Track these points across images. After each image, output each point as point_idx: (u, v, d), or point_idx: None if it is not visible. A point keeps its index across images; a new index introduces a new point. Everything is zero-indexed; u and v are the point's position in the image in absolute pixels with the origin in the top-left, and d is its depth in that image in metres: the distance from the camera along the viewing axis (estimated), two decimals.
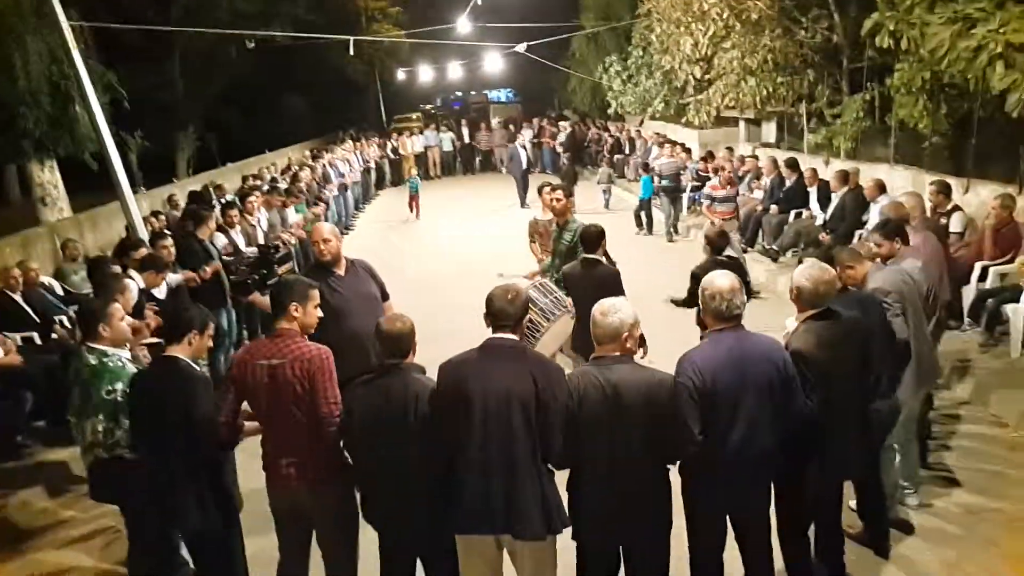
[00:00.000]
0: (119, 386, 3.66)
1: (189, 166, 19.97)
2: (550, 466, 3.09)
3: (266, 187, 10.47)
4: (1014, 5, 6.75)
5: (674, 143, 16.10)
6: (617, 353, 3.09)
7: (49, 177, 11.96)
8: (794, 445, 3.25)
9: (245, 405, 3.43)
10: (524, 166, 17.36)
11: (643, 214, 13.13)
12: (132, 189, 8.75)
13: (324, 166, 15.32)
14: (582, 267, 5.36)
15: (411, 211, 16.45)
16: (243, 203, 8.69)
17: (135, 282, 5.75)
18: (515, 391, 2.96)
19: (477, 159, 25.28)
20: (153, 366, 3.67)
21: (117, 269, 6.32)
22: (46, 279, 7.79)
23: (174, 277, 6.50)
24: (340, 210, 14.70)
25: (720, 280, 3.20)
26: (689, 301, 5.31)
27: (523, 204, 16.49)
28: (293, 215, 10.15)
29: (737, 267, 5.78)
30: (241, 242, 7.92)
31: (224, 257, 7.41)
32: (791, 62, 11.80)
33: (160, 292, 6.14)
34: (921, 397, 4.48)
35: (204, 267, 6.85)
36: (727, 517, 3.34)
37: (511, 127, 25.39)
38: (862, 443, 3.59)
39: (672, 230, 12.34)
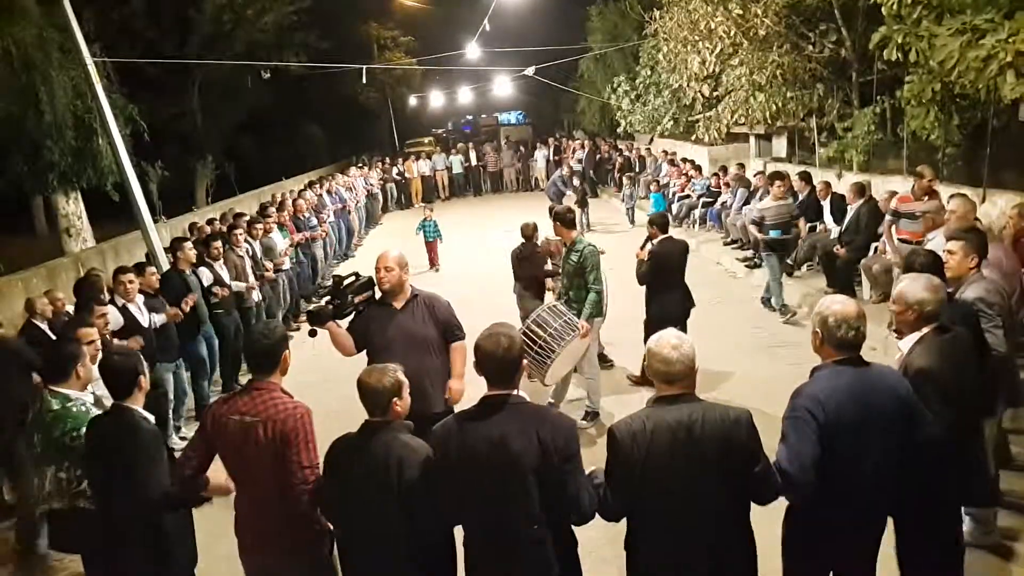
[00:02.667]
0: (81, 431, 3.47)
1: (208, 194, 20.31)
2: (601, 518, 2.81)
3: (247, 217, 10.24)
4: (1023, 14, 6.78)
5: (680, 161, 16.22)
6: (686, 392, 2.74)
7: (73, 208, 12.24)
8: (921, 478, 2.94)
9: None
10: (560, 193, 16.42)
11: None
12: (152, 218, 8.95)
13: (323, 193, 15.16)
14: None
15: (429, 263, 13.64)
16: (229, 235, 8.68)
17: (114, 308, 6.08)
18: (519, 453, 2.67)
19: (487, 181, 25.51)
20: (107, 416, 3.43)
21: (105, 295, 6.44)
22: (70, 308, 7.95)
23: (157, 317, 6.58)
24: (340, 236, 14.78)
25: (845, 306, 2.87)
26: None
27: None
28: (281, 242, 10.03)
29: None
30: (226, 275, 7.99)
31: (215, 288, 7.67)
32: (800, 77, 11.85)
33: (144, 319, 6.38)
34: (998, 418, 4.12)
35: (185, 299, 6.98)
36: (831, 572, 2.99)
37: (521, 148, 25.69)
38: (982, 469, 3.34)
39: (780, 308, 8.67)
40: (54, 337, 7.15)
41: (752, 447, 2.68)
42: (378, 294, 4.41)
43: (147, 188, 14.08)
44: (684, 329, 6.20)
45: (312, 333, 4.31)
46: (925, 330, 3.23)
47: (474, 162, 25.37)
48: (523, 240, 7.70)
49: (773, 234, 8.49)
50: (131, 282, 6.40)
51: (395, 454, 2.85)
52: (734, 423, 2.66)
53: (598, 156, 22.29)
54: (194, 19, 19.13)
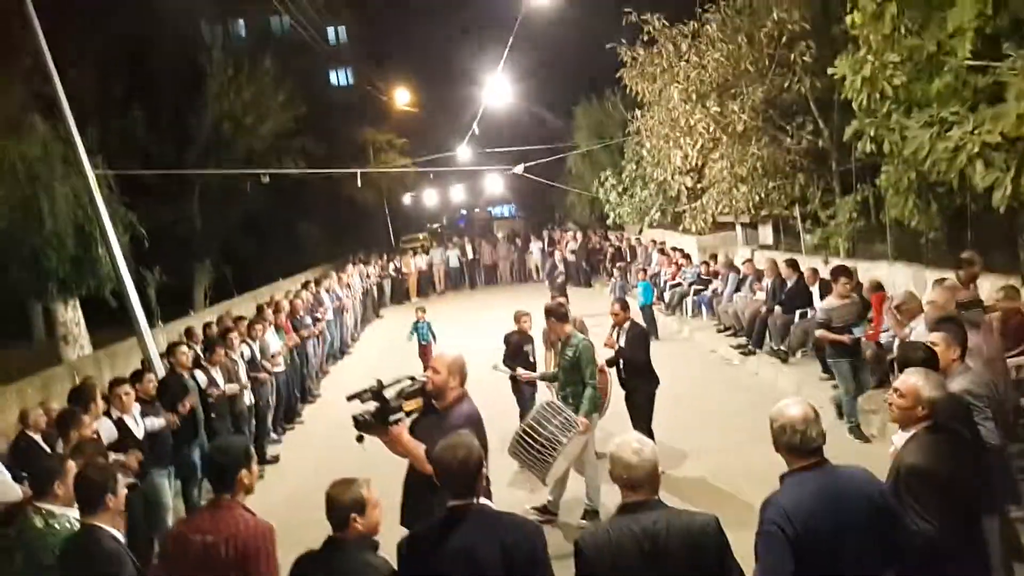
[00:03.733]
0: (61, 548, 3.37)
1: (206, 297, 20.46)
2: None
3: (246, 321, 10.11)
4: (986, 107, 7.10)
5: (671, 250, 16.50)
6: (650, 498, 2.71)
7: (72, 315, 12.32)
8: None
9: None
10: (561, 279, 17.28)
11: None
12: (149, 324, 9.00)
13: (320, 291, 15.22)
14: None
15: (424, 370, 13.68)
16: (224, 338, 8.80)
17: (108, 420, 6.04)
18: (484, 565, 2.64)
19: (482, 274, 25.83)
20: (77, 536, 3.30)
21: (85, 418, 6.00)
22: None
23: (156, 422, 6.55)
24: (335, 334, 14.79)
25: (791, 410, 2.82)
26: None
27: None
28: (276, 343, 10.07)
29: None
30: (220, 379, 8.06)
31: (211, 389, 7.76)
32: (780, 168, 12.23)
33: (139, 431, 6.31)
34: (1004, 513, 4.01)
35: (183, 402, 7.00)
36: None
37: (517, 240, 26.21)
38: (987, 566, 3.24)
39: (852, 429, 7.43)
40: (47, 448, 7.09)
41: (720, 555, 2.63)
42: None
43: (145, 293, 14.22)
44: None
45: (359, 439, 4.08)
46: (922, 425, 3.20)
47: (470, 255, 25.79)
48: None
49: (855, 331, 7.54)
50: (127, 394, 6.37)
51: (355, 573, 2.78)
52: (700, 531, 2.62)
53: (589, 246, 22.77)
54: (194, 129, 19.81)
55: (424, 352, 12.54)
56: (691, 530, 2.63)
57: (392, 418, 3.87)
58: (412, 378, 4.18)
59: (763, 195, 12.21)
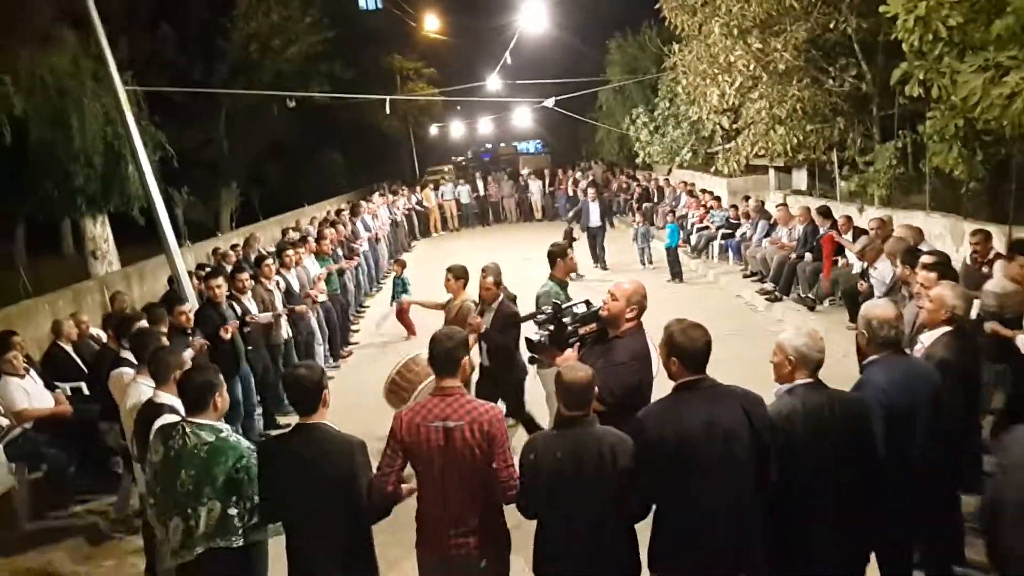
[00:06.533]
0: (244, 461, 3.34)
1: (232, 220, 20.59)
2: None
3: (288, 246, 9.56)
4: None
5: (700, 192, 16.22)
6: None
7: (100, 232, 12.47)
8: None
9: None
10: (598, 222, 14.95)
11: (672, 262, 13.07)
12: (177, 243, 9.07)
13: (355, 221, 14.75)
14: None
15: (406, 331, 10.77)
16: (259, 267, 8.44)
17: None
18: (733, 428, 3.08)
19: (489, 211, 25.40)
20: (295, 436, 3.29)
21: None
22: (95, 331, 8.07)
23: (187, 353, 6.23)
24: (371, 264, 14.66)
25: (883, 309, 3.49)
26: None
27: (597, 263, 14.84)
28: (315, 269, 9.68)
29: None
30: (253, 308, 7.62)
31: (247, 318, 7.26)
32: (820, 110, 11.87)
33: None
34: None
35: (224, 327, 6.73)
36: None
37: (520, 178, 25.78)
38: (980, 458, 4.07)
39: None
40: (78, 359, 7.28)
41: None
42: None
43: (173, 213, 14.32)
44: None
45: (532, 360, 4.20)
46: (945, 328, 3.93)
47: (481, 192, 25.30)
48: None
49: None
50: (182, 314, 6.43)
51: (607, 442, 3.05)
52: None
53: (614, 186, 22.31)
54: (222, 48, 19.56)
55: (401, 314, 10.84)
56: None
57: (567, 341, 3.93)
58: (588, 303, 4.21)
59: (801, 138, 11.88)
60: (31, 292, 10.34)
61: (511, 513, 3.32)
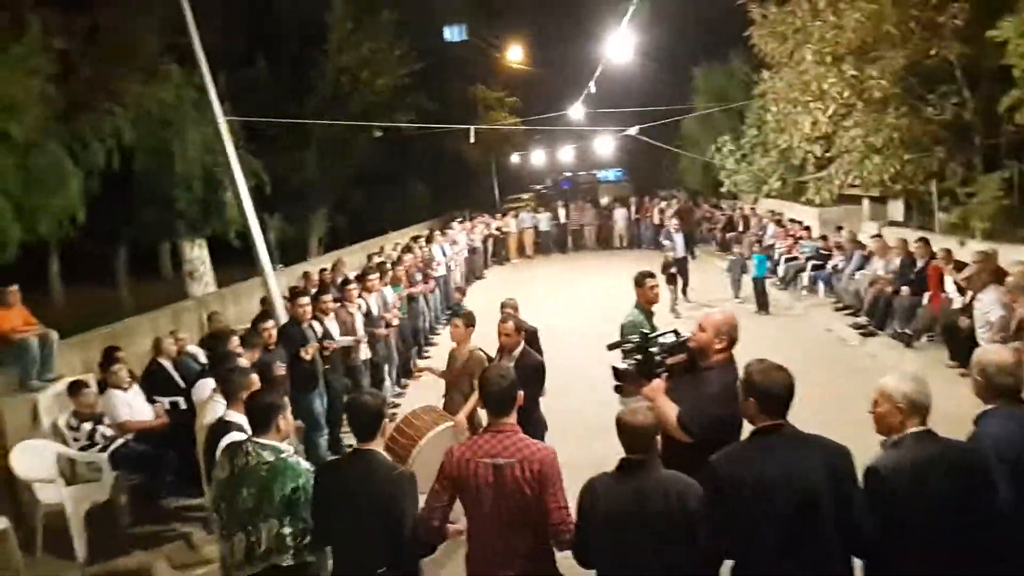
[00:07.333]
0: (301, 482, 3.41)
1: (320, 245, 21.27)
2: None
3: (373, 271, 9.93)
4: None
5: (788, 222, 15.72)
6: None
7: (198, 254, 13.10)
8: None
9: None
10: (682, 252, 14.22)
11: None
12: (272, 266, 9.41)
13: (431, 247, 14.95)
14: None
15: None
16: (343, 290, 8.63)
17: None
18: (815, 481, 2.84)
19: (569, 238, 25.27)
20: (347, 461, 3.43)
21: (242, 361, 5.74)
22: (192, 348, 8.42)
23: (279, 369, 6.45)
24: (449, 288, 14.80)
25: (1001, 355, 3.17)
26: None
27: (675, 306, 13.14)
28: (391, 295, 9.92)
29: None
30: (335, 329, 7.76)
31: (326, 341, 7.38)
32: (918, 140, 11.37)
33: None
34: None
35: (305, 348, 6.89)
36: None
37: (617, 204, 25.63)
38: None
39: None
40: (176, 375, 7.61)
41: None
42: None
43: (266, 237, 14.87)
44: None
45: (617, 389, 4.10)
46: None
47: (562, 219, 25.24)
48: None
49: None
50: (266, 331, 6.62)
51: (674, 488, 2.91)
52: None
53: (697, 215, 21.91)
54: (313, 82, 20.38)
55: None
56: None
57: (654, 371, 3.87)
58: (676, 332, 4.14)
59: (898, 168, 11.39)
60: (133, 311, 10.90)
61: (564, 560, 3.20)
